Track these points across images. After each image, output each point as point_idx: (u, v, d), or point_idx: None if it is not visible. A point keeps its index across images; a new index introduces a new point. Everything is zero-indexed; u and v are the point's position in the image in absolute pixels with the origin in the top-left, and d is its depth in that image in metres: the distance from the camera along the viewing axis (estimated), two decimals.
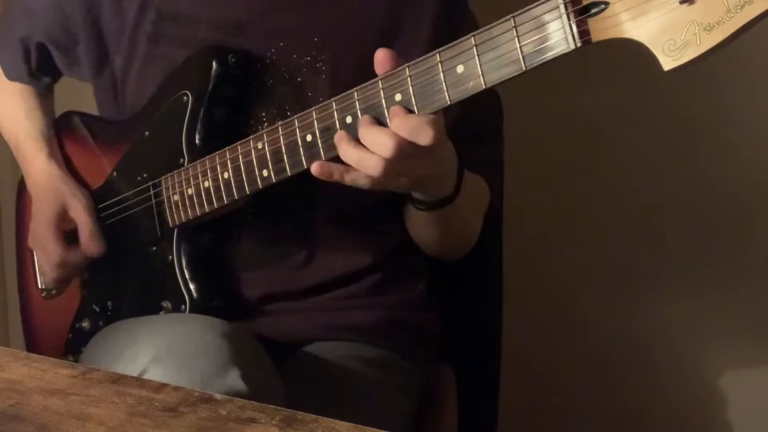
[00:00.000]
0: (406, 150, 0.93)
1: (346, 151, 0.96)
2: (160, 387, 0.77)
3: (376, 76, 0.96)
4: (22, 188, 1.38)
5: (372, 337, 1.20)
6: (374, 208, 1.20)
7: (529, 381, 1.83)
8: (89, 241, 1.23)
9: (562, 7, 0.82)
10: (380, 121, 0.95)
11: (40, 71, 1.35)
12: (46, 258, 1.26)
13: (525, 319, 1.71)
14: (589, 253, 1.80)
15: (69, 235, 1.25)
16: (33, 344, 1.41)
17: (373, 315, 1.20)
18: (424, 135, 0.92)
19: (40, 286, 1.37)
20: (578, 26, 0.81)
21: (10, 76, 1.36)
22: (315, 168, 0.98)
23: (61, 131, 1.34)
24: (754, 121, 1.66)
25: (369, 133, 0.94)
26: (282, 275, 1.18)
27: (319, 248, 1.18)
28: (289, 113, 1.10)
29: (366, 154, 0.94)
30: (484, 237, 1.25)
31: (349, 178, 0.98)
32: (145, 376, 0.92)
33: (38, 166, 1.29)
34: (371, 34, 1.14)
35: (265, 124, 1.14)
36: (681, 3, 0.75)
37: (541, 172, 1.75)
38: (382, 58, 0.95)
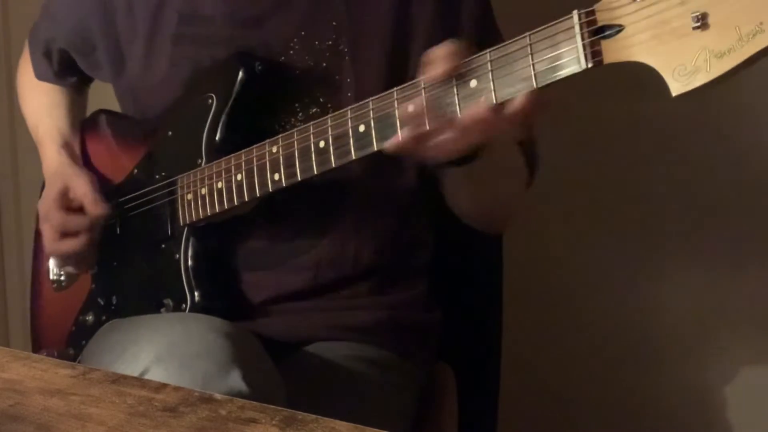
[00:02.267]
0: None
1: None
2: (160, 387, 0.77)
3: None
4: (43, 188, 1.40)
5: (372, 337, 1.20)
6: (376, 209, 1.20)
7: (529, 381, 1.82)
8: (91, 205, 1.25)
9: (577, 27, 0.82)
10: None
11: (63, 73, 1.40)
12: (50, 227, 1.28)
13: (525, 319, 1.71)
14: (590, 252, 1.80)
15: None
16: (37, 335, 1.44)
17: (374, 315, 1.20)
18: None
19: (51, 278, 1.39)
20: (591, 47, 0.81)
21: (39, 76, 1.43)
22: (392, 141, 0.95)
23: (89, 129, 1.39)
24: (756, 120, 1.66)
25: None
26: (288, 277, 1.18)
27: (325, 250, 1.18)
28: (321, 99, 1.11)
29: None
30: (484, 237, 1.25)
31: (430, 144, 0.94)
32: (147, 376, 0.92)
33: (51, 157, 1.35)
34: (384, 8, 1.14)
35: (299, 115, 1.14)
36: (694, 29, 0.75)
37: (539, 172, 1.75)
38: (444, 53, 0.91)
